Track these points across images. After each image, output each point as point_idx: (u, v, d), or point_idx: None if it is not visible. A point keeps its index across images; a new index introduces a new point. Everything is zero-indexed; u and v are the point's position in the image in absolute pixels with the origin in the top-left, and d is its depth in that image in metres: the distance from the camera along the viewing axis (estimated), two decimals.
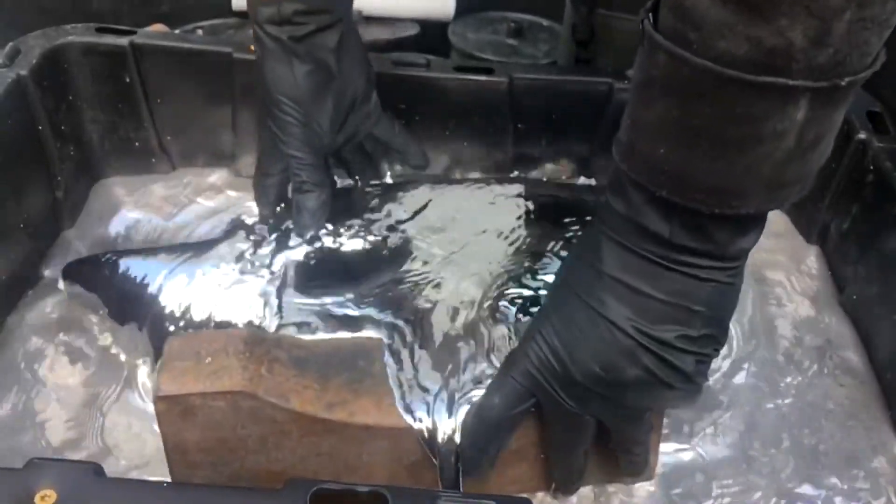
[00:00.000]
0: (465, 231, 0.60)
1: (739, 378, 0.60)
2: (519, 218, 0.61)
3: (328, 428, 0.47)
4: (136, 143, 0.71)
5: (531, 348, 0.47)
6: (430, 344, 0.52)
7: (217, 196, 0.71)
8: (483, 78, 0.69)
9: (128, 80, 0.68)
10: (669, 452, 0.55)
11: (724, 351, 0.59)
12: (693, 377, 0.45)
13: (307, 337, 0.52)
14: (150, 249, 0.60)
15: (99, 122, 0.70)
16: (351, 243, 0.59)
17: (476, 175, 0.72)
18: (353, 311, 0.54)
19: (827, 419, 0.58)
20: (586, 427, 0.48)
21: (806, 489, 0.53)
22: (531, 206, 0.62)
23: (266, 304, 0.54)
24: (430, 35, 0.90)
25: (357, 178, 0.68)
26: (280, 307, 0.54)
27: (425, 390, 0.49)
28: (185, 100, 0.70)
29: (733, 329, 0.62)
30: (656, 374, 0.44)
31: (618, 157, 0.43)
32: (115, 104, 0.69)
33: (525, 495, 0.43)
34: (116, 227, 0.68)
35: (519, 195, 0.63)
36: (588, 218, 0.59)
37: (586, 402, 0.46)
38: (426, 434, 0.48)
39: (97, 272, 0.58)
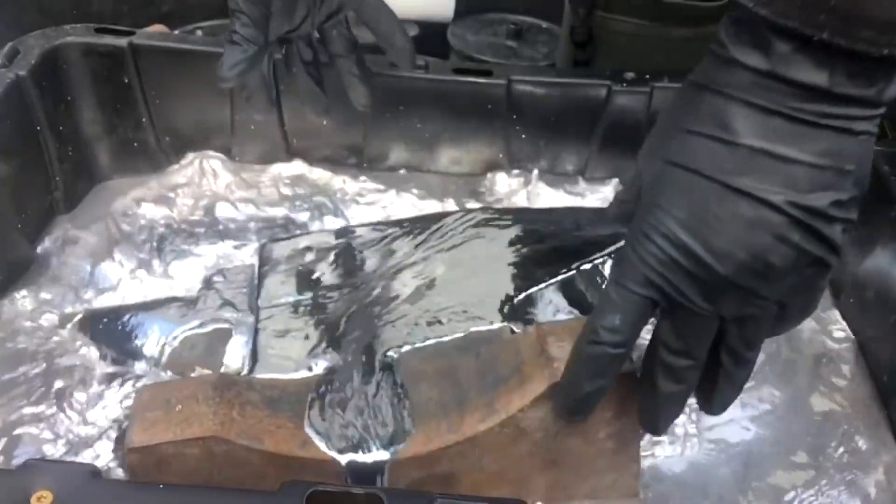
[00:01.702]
0: (451, 275, 0.58)
1: None
2: (509, 255, 0.60)
3: (304, 466, 0.46)
4: (135, 144, 0.71)
5: (647, 251, 0.41)
6: (395, 383, 0.51)
7: (215, 197, 0.71)
8: (481, 80, 0.69)
9: (126, 80, 0.68)
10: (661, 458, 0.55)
11: None
12: (839, 249, 0.40)
13: (280, 376, 0.51)
14: (139, 305, 0.60)
15: (97, 122, 0.70)
16: (332, 294, 0.58)
17: (472, 181, 0.73)
18: (324, 356, 0.53)
19: (824, 424, 0.58)
20: (709, 334, 0.42)
21: (805, 496, 0.53)
22: (519, 242, 0.61)
23: (246, 349, 0.55)
24: (430, 36, 0.91)
25: (341, 65, 0.62)
26: (256, 353, 0.54)
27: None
28: (184, 101, 0.70)
29: None
30: (808, 251, 0.39)
31: (752, 1, 0.38)
32: (113, 105, 0.69)
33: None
34: (115, 228, 0.67)
35: (507, 227, 0.62)
36: (573, 269, 0.56)
37: (718, 299, 0.41)
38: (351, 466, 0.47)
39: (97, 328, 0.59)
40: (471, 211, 0.64)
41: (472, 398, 0.48)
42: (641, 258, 0.41)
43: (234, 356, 0.55)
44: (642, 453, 0.51)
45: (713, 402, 0.46)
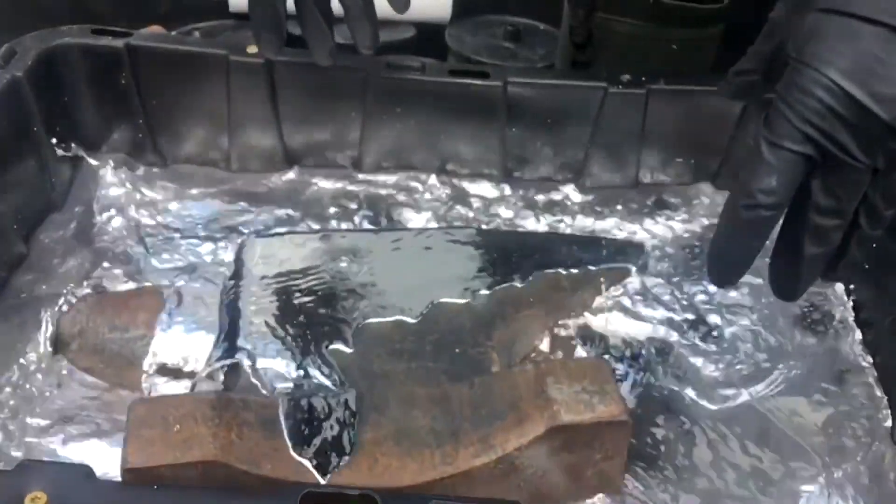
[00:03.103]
0: (425, 283, 0.59)
1: (742, 377, 0.60)
2: (485, 276, 0.61)
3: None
4: (132, 146, 0.71)
5: (805, 105, 0.41)
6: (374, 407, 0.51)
7: (212, 199, 0.71)
8: (478, 82, 0.69)
9: (123, 82, 0.68)
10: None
11: (727, 357, 0.61)
12: None
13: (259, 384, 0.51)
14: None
15: (94, 123, 0.70)
16: (308, 296, 0.58)
17: (466, 172, 0.73)
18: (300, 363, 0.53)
19: (828, 424, 0.57)
20: (860, 190, 0.43)
21: (812, 488, 0.53)
22: (482, 258, 0.62)
23: (219, 350, 0.54)
24: (427, 38, 0.91)
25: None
26: (231, 352, 0.54)
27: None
28: (181, 102, 0.70)
29: (737, 336, 0.63)
30: None
31: None
32: (110, 106, 0.69)
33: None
34: (110, 229, 0.67)
35: (470, 244, 0.63)
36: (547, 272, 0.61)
37: (876, 149, 0.41)
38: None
39: None
40: (451, 228, 0.66)
41: (467, 431, 0.48)
42: (798, 113, 0.41)
43: (207, 356, 0.54)
44: None
45: (838, 267, 0.47)
